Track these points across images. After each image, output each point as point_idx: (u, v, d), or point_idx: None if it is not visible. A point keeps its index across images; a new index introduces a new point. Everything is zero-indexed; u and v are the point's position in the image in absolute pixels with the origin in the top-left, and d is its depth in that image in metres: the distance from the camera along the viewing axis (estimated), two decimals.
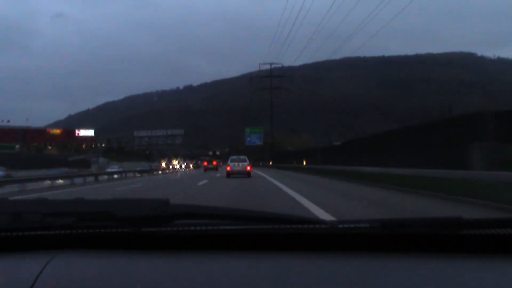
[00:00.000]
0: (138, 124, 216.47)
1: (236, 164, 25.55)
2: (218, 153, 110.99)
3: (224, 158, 73.16)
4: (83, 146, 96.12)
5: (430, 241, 1.00)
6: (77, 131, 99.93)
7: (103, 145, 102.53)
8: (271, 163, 60.21)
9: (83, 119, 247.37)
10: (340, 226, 1.04)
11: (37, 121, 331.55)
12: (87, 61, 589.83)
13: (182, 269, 0.96)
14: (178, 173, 44.17)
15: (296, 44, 68.83)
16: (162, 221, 1.06)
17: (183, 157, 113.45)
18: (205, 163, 52.54)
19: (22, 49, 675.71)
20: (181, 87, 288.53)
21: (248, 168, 25.20)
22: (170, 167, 69.05)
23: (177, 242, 1.07)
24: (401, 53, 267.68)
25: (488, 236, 0.97)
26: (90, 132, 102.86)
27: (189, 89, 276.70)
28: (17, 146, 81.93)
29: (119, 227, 1.07)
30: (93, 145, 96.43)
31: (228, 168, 25.44)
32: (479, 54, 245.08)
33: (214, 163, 52.72)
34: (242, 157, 26.88)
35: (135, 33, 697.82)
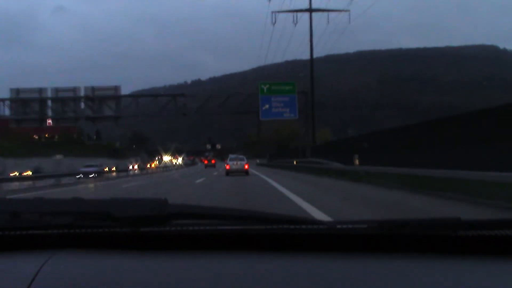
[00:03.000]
0: (145, 119, 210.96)
1: (234, 163, 26.68)
2: (219, 147, 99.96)
3: (230, 152, 69.96)
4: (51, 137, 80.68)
5: (428, 242, 1.00)
6: (47, 121, 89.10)
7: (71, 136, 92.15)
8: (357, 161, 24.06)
9: None
10: (338, 226, 1.05)
11: None
12: (91, 56, 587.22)
13: (180, 269, 0.95)
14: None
15: (305, 37, 60.19)
16: (160, 221, 1.06)
17: (186, 154, 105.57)
18: (205, 162, 63.11)
19: (26, 44, 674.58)
20: (189, 81, 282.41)
21: (246, 166, 26.37)
22: None
23: (175, 242, 1.07)
24: (419, 45, 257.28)
25: (486, 237, 0.97)
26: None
27: (197, 83, 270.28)
28: None
29: (117, 227, 1.07)
30: (52, 137, 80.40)
31: (227, 167, 26.59)
32: (501, 47, 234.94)
33: (213, 161, 60.71)
34: (240, 156, 29.29)
35: (141, 28, 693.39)
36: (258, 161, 64.82)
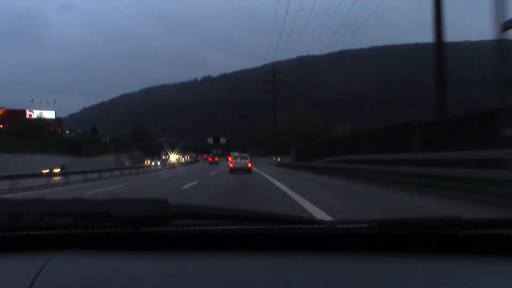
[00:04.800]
0: (154, 116, 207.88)
1: (237, 161, 27.00)
2: (223, 141, 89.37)
3: (241, 149, 63.70)
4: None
5: (429, 241, 1.01)
6: (28, 112, 73.96)
7: (67, 131, 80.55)
8: None
9: (98, 112, 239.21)
10: (339, 226, 1.05)
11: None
12: (101, 54, 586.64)
13: (181, 270, 0.96)
14: None
15: (315, 34, 54.39)
16: (161, 221, 1.06)
17: (194, 151, 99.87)
18: (210, 159, 67.38)
19: (33, 41, 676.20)
20: (199, 78, 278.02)
21: (249, 165, 26.59)
22: None
23: (176, 242, 1.07)
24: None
25: (487, 236, 0.98)
26: (49, 114, 77.17)
27: (207, 80, 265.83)
28: None
29: (117, 227, 1.07)
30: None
31: (231, 165, 26.74)
32: None
33: (216, 159, 65.60)
34: (243, 154, 29.28)
35: (149, 25, 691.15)
36: (278, 159, 47.88)
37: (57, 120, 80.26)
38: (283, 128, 62.14)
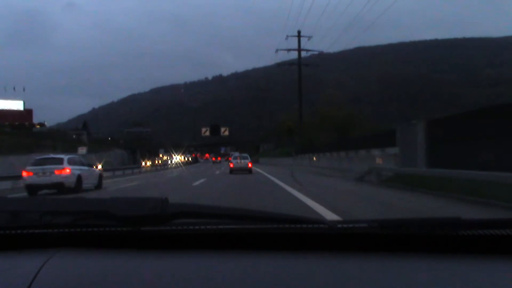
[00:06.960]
0: (162, 115, 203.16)
1: (238, 161, 27.73)
2: (226, 133, 71.19)
3: (248, 147, 60.00)
4: None
5: (429, 241, 1.00)
6: None
7: (37, 126, 68.47)
8: None
9: (107, 112, 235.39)
10: (339, 226, 1.05)
11: (59, 116, 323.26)
12: (111, 55, 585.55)
13: (181, 269, 0.95)
14: None
15: (328, 32, 47.80)
16: (161, 220, 1.06)
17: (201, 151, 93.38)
18: (214, 159, 79.86)
19: (43, 43, 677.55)
20: (210, 77, 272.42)
21: (250, 165, 27.28)
22: None
23: (176, 242, 1.07)
24: (458, 35, 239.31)
25: (486, 236, 0.97)
26: (16, 105, 65.58)
27: (218, 79, 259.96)
28: None
29: (118, 226, 1.07)
30: None
31: (231, 165, 27.61)
32: None
33: (219, 158, 76.36)
34: (244, 155, 30.31)
35: (158, 26, 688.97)
36: (378, 160, 18.67)
37: (26, 112, 68.40)
38: (308, 120, 48.03)
